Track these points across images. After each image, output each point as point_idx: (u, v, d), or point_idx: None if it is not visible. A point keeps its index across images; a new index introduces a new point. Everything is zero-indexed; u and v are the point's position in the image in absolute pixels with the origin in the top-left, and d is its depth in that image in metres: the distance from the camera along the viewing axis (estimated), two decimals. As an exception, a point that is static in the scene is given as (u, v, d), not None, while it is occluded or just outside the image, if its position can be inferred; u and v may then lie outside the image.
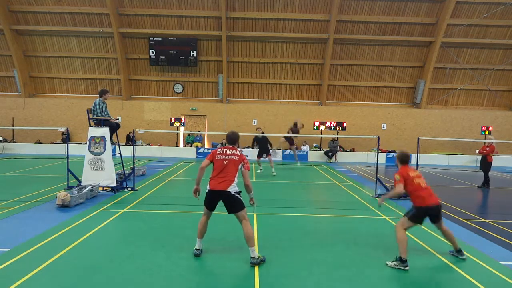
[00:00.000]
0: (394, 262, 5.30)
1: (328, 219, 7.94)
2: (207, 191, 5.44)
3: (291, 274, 4.96)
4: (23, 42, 22.45)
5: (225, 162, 5.42)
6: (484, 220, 8.22)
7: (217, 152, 5.55)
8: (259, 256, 5.24)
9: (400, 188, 5.55)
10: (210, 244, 5.99)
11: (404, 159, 5.92)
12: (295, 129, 16.16)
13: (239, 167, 5.45)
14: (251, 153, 19.35)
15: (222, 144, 22.56)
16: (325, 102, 23.07)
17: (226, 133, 5.84)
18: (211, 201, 5.43)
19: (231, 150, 5.53)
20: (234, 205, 5.33)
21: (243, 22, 21.68)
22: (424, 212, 5.47)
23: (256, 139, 16.07)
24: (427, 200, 5.45)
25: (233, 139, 5.72)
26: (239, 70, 22.96)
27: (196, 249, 5.51)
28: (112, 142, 10.43)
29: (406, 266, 5.18)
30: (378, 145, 11.26)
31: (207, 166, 5.54)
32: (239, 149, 5.69)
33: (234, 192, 5.33)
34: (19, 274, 4.63)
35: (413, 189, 5.55)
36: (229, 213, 5.39)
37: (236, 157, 5.45)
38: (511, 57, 22.09)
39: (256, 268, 5.05)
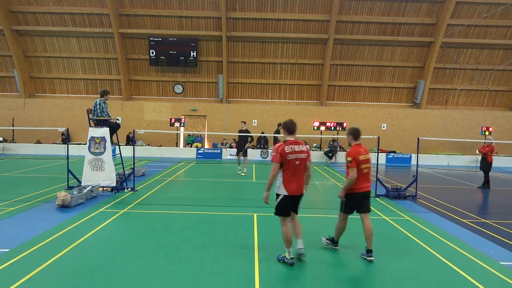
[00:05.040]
0: (326, 241, 5.93)
1: (328, 219, 7.93)
2: (285, 196, 5.15)
3: (291, 274, 4.96)
4: (23, 42, 22.45)
5: (297, 163, 5.15)
6: (484, 220, 8.22)
7: (286, 150, 5.11)
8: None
9: (354, 173, 5.52)
10: (210, 244, 5.99)
11: (358, 135, 5.80)
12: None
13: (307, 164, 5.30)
14: (252, 153, 19.38)
15: (222, 144, 22.57)
16: (325, 102, 23.08)
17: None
18: (291, 205, 5.27)
19: (298, 146, 5.21)
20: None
21: (243, 23, 21.69)
22: (357, 196, 5.63)
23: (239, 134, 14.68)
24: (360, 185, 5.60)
25: (295, 128, 5.33)
26: (239, 71, 22.96)
27: (291, 258, 5.20)
28: (112, 143, 10.43)
29: (337, 247, 5.84)
30: (378, 145, 11.25)
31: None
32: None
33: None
34: (19, 274, 4.63)
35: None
36: (296, 213, 5.41)
37: (305, 155, 5.23)
38: (511, 57, 22.09)
39: (256, 268, 5.05)
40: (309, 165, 5.32)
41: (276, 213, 5.26)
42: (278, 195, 5.22)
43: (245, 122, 14.87)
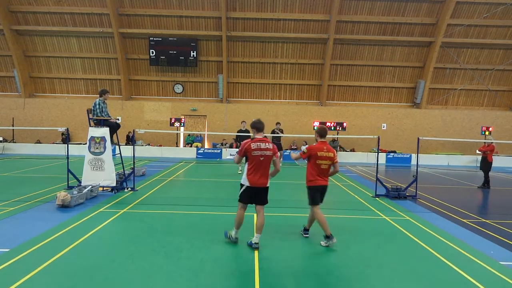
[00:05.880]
0: (324, 241, 6.07)
1: (328, 219, 7.90)
2: (248, 186, 5.75)
3: (291, 274, 4.96)
4: (23, 42, 22.45)
5: (261, 159, 5.70)
6: (484, 220, 8.22)
7: (252, 147, 5.69)
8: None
9: (296, 157, 6.50)
10: (210, 244, 6.00)
11: (325, 133, 6.36)
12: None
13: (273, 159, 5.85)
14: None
15: (222, 144, 22.57)
16: (325, 102, 23.08)
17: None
18: (252, 195, 5.81)
19: (264, 144, 5.76)
20: (266, 197, 5.92)
21: (243, 22, 21.69)
22: (316, 189, 6.17)
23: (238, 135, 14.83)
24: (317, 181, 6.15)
25: (263, 127, 5.94)
26: (239, 70, 22.96)
27: (236, 237, 5.99)
28: (112, 142, 10.42)
29: (333, 239, 6.00)
30: (378, 145, 11.25)
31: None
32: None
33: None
34: (19, 274, 4.63)
35: (311, 167, 6.16)
36: (263, 204, 5.90)
37: (270, 152, 5.76)
38: (511, 57, 22.09)
39: (257, 268, 5.05)
40: (276, 161, 5.90)
41: (239, 200, 5.92)
42: (242, 185, 5.84)
43: (245, 122, 14.85)
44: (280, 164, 6.14)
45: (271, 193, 6.12)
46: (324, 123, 21.47)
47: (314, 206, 6.21)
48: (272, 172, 5.97)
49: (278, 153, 6.01)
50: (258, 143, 5.73)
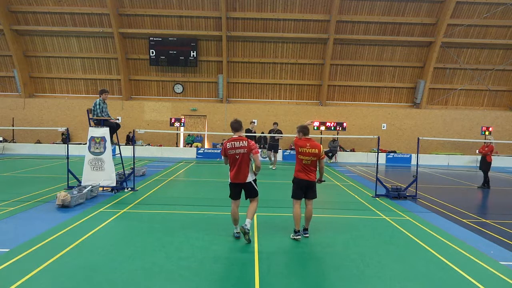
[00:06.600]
0: (292, 234, 6.39)
1: (328, 219, 7.94)
2: (230, 183, 6.16)
3: (291, 274, 4.96)
4: (23, 42, 22.45)
5: (237, 157, 5.99)
6: (484, 220, 8.22)
7: (227, 147, 6.05)
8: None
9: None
10: (210, 244, 6.00)
11: (307, 132, 6.64)
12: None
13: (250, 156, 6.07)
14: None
15: (222, 144, 22.58)
16: (325, 102, 23.07)
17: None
18: (236, 191, 6.19)
19: (239, 142, 6.02)
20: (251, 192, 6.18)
21: (243, 22, 21.69)
22: (297, 183, 6.43)
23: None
24: (299, 174, 6.43)
25: (239, 127, 6.23)
26: (239, 70, 22.96)
27: (237, 232, 6.28)
28: (112, 142, 10.43)
29: (298, 236, 6.32)
30: (378, 145, 11.25)
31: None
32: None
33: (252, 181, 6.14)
34: (19, 274, 4.63)
35: (296, 161, 6.54)
36: (250, 198, 6.25)
37: (245, 150, 5.99)
38: (511, 57, 22.09)
39: (257, 268, 5.05)
40: (254, 158, 6.11)
41: (229, 196, 6.30)
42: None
43: (254, 122, 14.91)
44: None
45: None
46: (324, 123, 21.48)
47: (294, 200, 6.50)
48: (254, 169, 6.23)
49: (258, 150, 6.20)
50: (233, 142, 6.05)
